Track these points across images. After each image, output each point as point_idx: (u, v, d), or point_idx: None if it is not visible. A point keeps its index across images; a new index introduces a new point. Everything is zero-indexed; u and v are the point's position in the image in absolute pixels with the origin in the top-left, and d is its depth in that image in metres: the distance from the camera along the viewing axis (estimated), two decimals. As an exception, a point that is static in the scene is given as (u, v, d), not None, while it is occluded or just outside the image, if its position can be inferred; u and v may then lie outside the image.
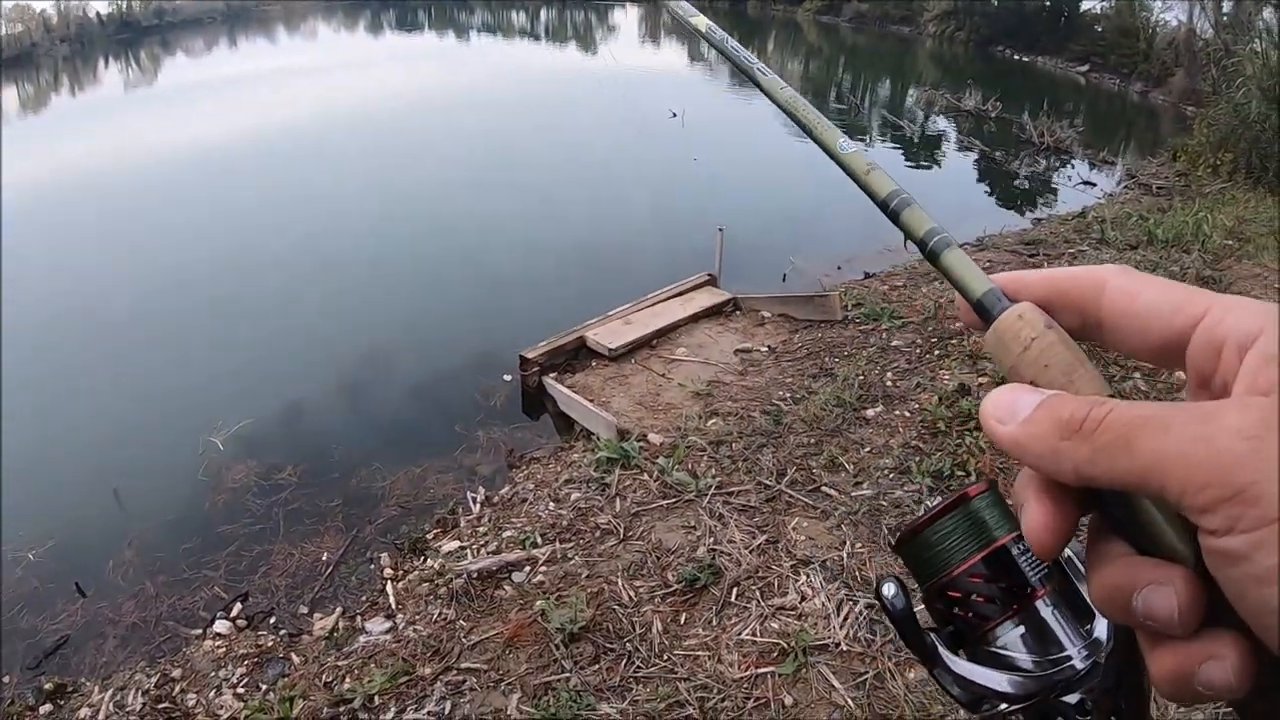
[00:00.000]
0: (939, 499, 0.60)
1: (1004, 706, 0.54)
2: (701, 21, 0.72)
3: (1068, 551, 0.56)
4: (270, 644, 3.73)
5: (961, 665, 0.55)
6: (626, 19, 34.63)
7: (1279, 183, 9.26)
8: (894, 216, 0.51)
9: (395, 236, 9.40)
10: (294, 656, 3.61)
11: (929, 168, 13.25)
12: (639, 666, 3.07)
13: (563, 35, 32.47)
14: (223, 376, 6.37)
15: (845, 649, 3.07)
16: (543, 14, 37.20)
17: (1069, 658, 0.53)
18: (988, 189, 12.06)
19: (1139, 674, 0.48)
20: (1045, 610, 0.54)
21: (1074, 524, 0.41)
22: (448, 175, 11.67)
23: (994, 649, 0.55)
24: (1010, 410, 0.40)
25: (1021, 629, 0.54)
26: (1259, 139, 9.83)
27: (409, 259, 8.75)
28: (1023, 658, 0.54)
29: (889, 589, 0.58)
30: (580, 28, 34.07)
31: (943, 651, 0.56)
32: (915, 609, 0.58)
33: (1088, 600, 0.54)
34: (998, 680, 0.54)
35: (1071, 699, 0.53)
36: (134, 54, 27.41)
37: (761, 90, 0.61)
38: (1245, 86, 10.30)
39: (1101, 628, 0.54)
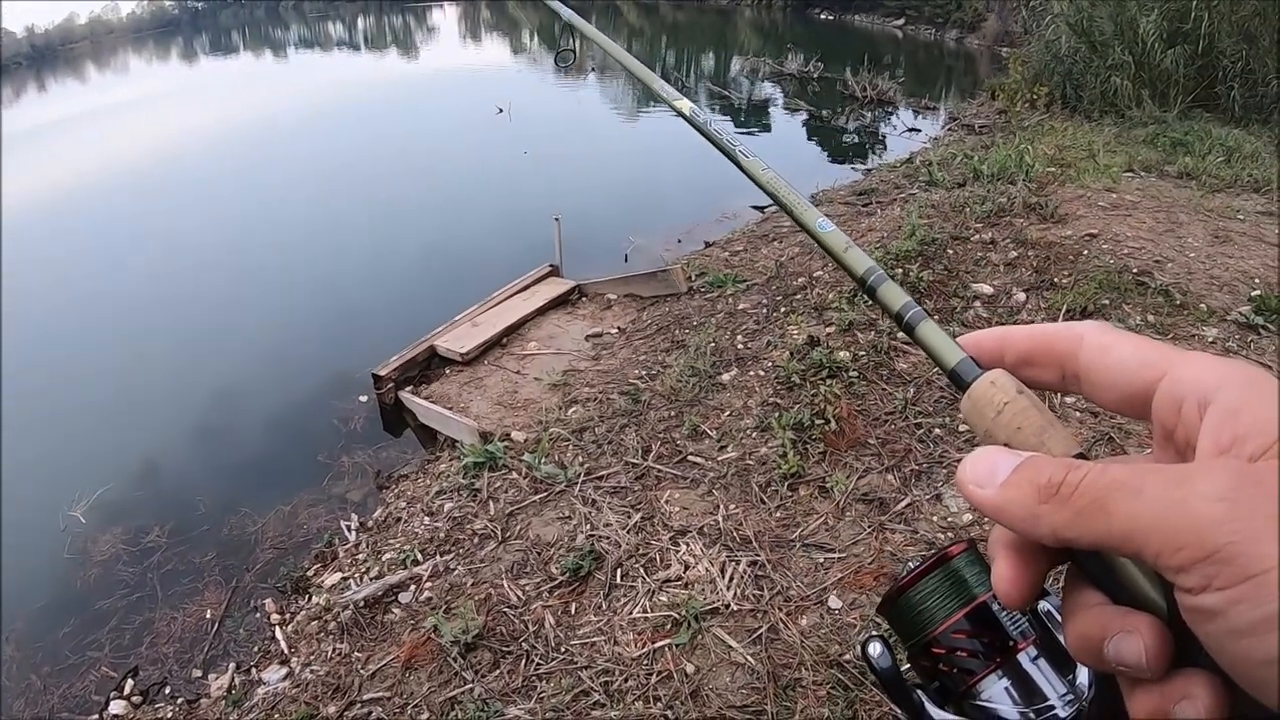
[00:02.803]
0: (919, 561, 0.62)
1: None
2: (685, 105, 0.77)
3: (1046, 605, 0.60)
4: (169, 715, 3.62)
5: None
6: (446, 19, 34.08)
7: (1093, 109, 9.93)
8: (870, 292, 0.54)
9: (232, 269, 9.05)
10: (196, 723, 3.52)
11: (759, 132, 13.57)
12: (539, 664, 3.06)
13: (382, 42, 31.65)
14: (72, 443, 6.05)
15: (736, 608, 3.10)
16: (360, 22, 36.24)
17: (1053, 707, 0.56)
18: (818, 146, 12.49)
19: (1121, 718, 0.55)
20: (1028, 662, 0.57)
21: (1042, 578, 0.42)
22: (279, 200, 11.32)
23: (980, 702, 0.57)
24: (989, 473, 0.41)
25: (1006, 681, 0.57)
26: (1071, 71, 10.56)
27: (248, 290, 8.44)
28: (1008, 709, 0.56)
29: (875, 649, 0.63)
30: (400, 32, 33.33)
31: (930, 708, 0.60)
32: (902, 667, 0.62)
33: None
34: None
35: None
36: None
37: (743, 171, 0.64)
38: (1054, 24, 11.05)
39: (1084, 675, 0.57)
